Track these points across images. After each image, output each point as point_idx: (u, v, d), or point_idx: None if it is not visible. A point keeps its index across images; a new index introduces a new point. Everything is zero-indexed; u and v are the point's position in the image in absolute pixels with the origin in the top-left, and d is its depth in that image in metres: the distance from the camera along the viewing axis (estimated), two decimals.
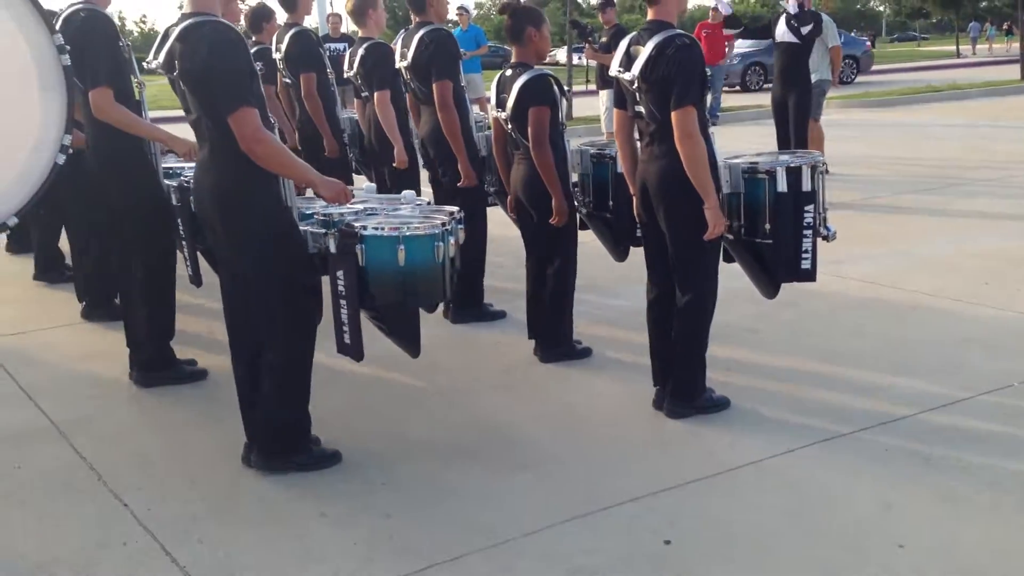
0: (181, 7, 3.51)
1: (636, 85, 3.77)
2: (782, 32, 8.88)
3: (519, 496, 3.24)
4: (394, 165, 5.82)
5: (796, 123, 8.74)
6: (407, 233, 3.38)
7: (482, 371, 4.55)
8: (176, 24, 3.33)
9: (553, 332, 4.69)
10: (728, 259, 4.20)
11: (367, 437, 3.77)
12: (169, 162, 4.75)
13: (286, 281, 3.35)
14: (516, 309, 5.11)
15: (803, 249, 4.02)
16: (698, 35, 15.30)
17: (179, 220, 4.42)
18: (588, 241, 4.89)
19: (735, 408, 3.95)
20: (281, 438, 3.47)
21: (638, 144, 3.97)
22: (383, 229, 3.38)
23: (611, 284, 5.75)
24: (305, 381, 3.47)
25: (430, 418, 3.99)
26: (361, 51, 5.86)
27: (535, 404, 4.11)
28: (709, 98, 15.20)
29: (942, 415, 3.81)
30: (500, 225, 5.57)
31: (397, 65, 5.49)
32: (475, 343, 4.99)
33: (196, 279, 4.63)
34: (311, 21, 11.97)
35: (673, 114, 3.64)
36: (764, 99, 17.64)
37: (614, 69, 3.92)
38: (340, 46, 9.86)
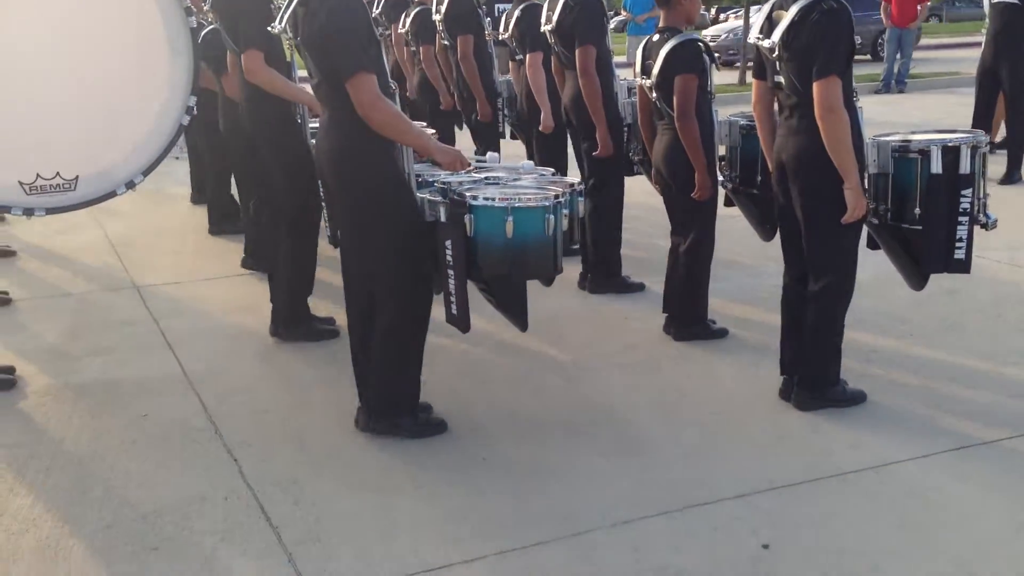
0: None
1: (776, 53, 3.53)
2: None
3: (617, 483, 3.16)
4: (539, 129, 5.78)
5: (1012, 95, 7.91)
6: (516, 204, 3.31)
7: (606, 346, 4.46)
8: None
9: (686, 309, 4.54)
10: (873, 246, 3.91)
11: (476, 409, 3.77)
12: (316, 124, 4.87)
13: (399, 246, 3.37)
14: (657, 282, 4.96)
15: (957, 237, 3.67)
16: None
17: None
18: (737, 215, 4.69)
19: (869, 403, 3.70)
20: (389, 402, 3.52)
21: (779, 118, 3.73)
22: (494, 200, 3.33)
23: (757, 262, 5.50)
24: (417, 347, 3.49)
25: (543, 393, 3.94)
26: (517, 12, 5.83)
27: (653, 386, 3.99)
28: (898, 64, 14.28)
29: None
30: (651, 195, 5.42)
31: (542, 28, 5.40)
32: (606, 316, 4.90)
33: (335, 239, 4.75)
34: None
35: (815, 85, 3.40)
36: (957, 65, 16.41)
37: (753, 35, 3.69)
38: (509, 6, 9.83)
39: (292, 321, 4.60)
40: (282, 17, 3.54)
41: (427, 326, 3.49)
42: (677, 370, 4.15)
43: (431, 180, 3.70)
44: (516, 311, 3.53)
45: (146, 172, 3.68)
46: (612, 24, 20.79)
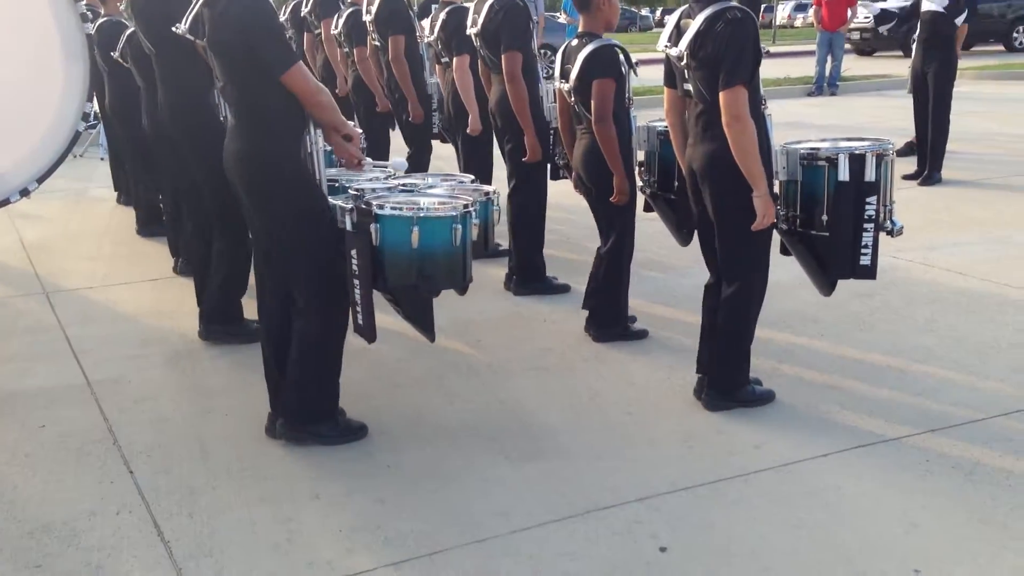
0: None
1: (684, 62, 3.55)
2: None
3: (520, 489, 3.14)
4: (467, 131, 5.77)
5: (936, 99, 8.09)
6: (423, 214, 3.29)
7: (523, 348, 4.45)
8: None
9: (605, 311, 4.55)
10: (785, 252, 3.96)
11: (386, 414, 3.73)
12: None
13: (315, 250, 3.33)
14: (583, 284, 4.95)
15: (863, 244, 3.71)
16: (818, 1, 14.54)
17: None
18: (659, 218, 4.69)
19: (777, 403, 3.74)
20: (308, 410, 3.46)
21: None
22: (400, 209, 3.29)
23: (680, 263, 5.54)
24: (336, 355, 3.46)
25: (454, 397, 3.92)
26: (443, 15, 5.81)
27: (566, 388, 3.99)
28: (829, 66, 14.63)
29: (1003, 423, 3.50)
30: (581, 197, 5.44)
31: (468, 32, 5.39)
32: (526, 318, 4.89)
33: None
34: None
35: (721, 94, 3.41)
36: (885, 67, 16.74)
37: (662, 44, 3.71)
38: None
39: (224, 321, 4.53)
40: (186, 19, 3.48)
41: (345, 333, 3.45)
42: (591, 372, 4.16)
43: (347, 186, 3.66)
44: (423, 322, 3.49)
45: (40, 179, 3.58)
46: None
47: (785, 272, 4.53)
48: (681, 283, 5.27)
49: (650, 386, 3.98)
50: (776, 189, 3.68)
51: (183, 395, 4.01)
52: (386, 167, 4.03)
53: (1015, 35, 21.20)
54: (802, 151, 3.70)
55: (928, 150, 7.94)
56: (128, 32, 5.69)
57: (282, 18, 9.01)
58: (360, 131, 5.27)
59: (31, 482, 3.25)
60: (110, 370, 4.25)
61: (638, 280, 5.08)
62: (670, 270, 5.56)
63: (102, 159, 9.18)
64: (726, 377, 3.74)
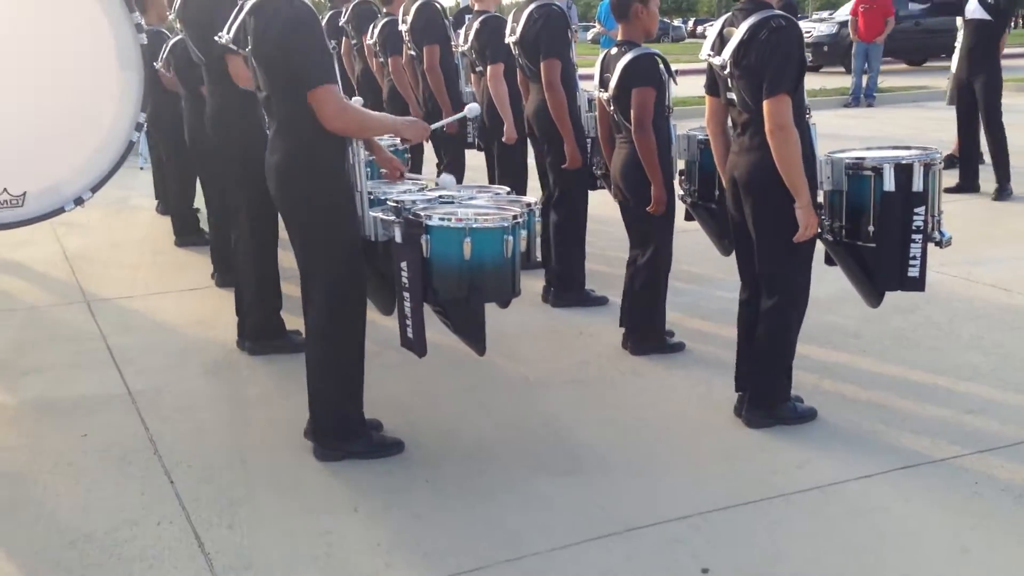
0: None
1: (727, 71, 3.51)
2: (973, 8, 8.12)
3: (559, 505, 3.11)
4: (503, 140, 5.76)
5: (987, 111, 7.96)
6: (474, 225, 3.26)
7: (561, 362, 4.42)
8: None
9: (643, 324, 4.51)
10: (829, 262, 3.90)
11: (424, 427, 3.71)
12: None
13: (335, 266, 3.32)
14: (620, 296, 4.91)
15: (911, 255, 3.65)
16: (855, 11, 14.40)
17: None
18: (699, 229, 4.66)
19: (819, 421, 3.67)
20: (332, 424, 3.45)
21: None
22: (450, 220, 3.27)
23: (719, 275, 5.48)
24: (352, 370, 3.43)
25: (492, 411, 3.90)
26: (476, 24, 5.80)
27: (604, 403, 3.95)
28: (865, 78, 14.53)
29: None
30: (616, 208, 5.40)
31: (506, 40, 5.38)
32: (564, 331, 4.86)
33: None
34: None
35: (764, 103, 3.38)
36: (924, 79, 16.50)
37: (704, 52, 3.67)
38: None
39: (266, 333, 4.55)
40: (230, 27, 3.49)
41: (363, 349, 3.44)
42: (630, 386, 4.11)
43: (383, 198, 3.64)
44: (473, 335, 3.46)
45: (94, 188, 3.62)
46: (589, 35, 20.67)
47: (826, 286, 4.46)
48: (719, 296, 5.21)
49: (689, 401, 3.94)
50: (820, 199, 3.63)
51: (223, 405, 4.02)
52: (435, 184, 3.99)
53: None
54: (847, 161, 3.65)
55: (993, 165, 7.76)
56: (172, 42, 5.76)
57: None
58: (399, 140, 5.32)
59: (73, 491, 3.26)
60: (151, 379, 4.27)
61: (675, 292, 5.02)
62: (707, 282, 5.51)
63: (142, 168, 9.28)
64: (767, 394, 3.69)
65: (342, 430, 3.46)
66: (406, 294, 3.29)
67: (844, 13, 16.59)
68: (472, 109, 4.01)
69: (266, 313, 4.57)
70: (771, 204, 3.49)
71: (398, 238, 3.30)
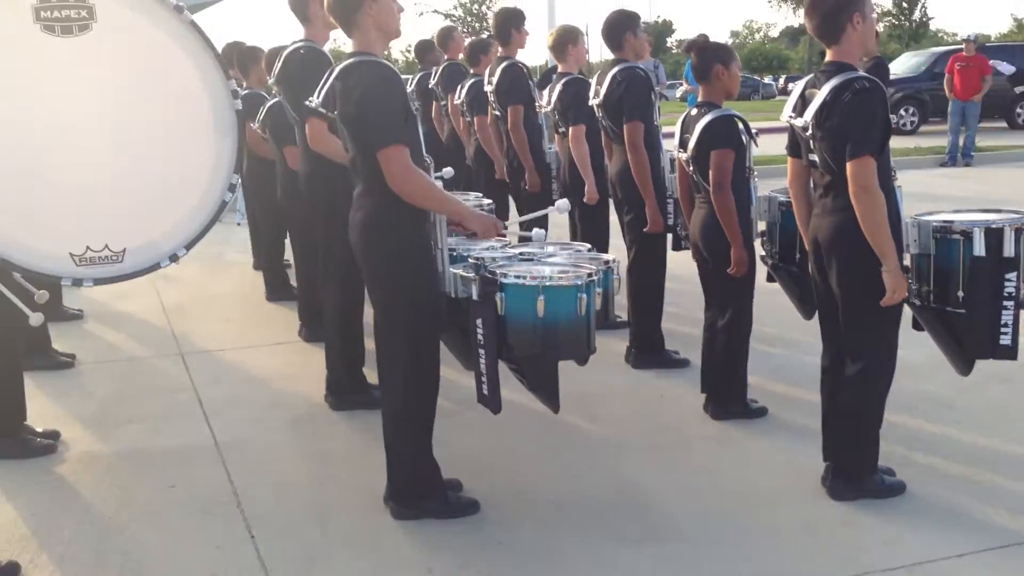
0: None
1: (809, 132, 3.49)
2: None
3: (634, 573, 3.06)
4: (584, 200, 5.80)
5: None
6: (548, 283, 3.29)
7: (640, 425, 4.38)
8: (339, 64, 3.45)
9: (724, 388, 4.45)
10: (918, 327, 3.80)
11: (499, 487, 3.71)
12: None
13: (412, 323, 3.37)
14: None
15: (1002, 323, 3.53)
16: (951, 69, 14.13)
17: None
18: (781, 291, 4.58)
19: (909, 495, 3.55)
20: (407, 481, 3.48)
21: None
22: (525, 278, 3.31)
23: (805, 338, 5.36)
24: (426, 428, 3.46)
25: (569, 473, 3.88)
26: (559, 86, 5.89)
27: (684, 468, 3.89)
28: (962, 137, 14.24)
29: None
30: None
31: (590, 102, 5.45)
32: (644, 393, 4.82)
33: None
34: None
35: (848, 165, 3.33)
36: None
37: (786, 114, 3.66)
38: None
39: (347, 387, 4.63)
40: (320, 91, 3.63)
41: (434, 408, 3.46)
42: (710, 452, 4.05)
43: (465, 255, 3.70)
44: (548, 392, 3.47)
45: (189, 246, 3.78)
46: (677, 94, 20.69)
47: (917, 351, 4.33)
48: (804, 360, 5.10)
49: (770, 469, 3.85)
50: (907, 263, 3.55)
51: (304, 460, 4.09)
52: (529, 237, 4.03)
53: (1018, 111, 20.24)
54: (935, 224, 3.56)
55: None
56: (269, 104, 6.01)
57: (409, 88, 9.36)
58: (488, 201, 5.42)
59: (158, 542, 3.36)
60: (237, 432, 4.39)
61: (760, 356, 4.96)
62: (794, 346, 5.40)
63: (239, 224, 9.62)
64: (852, 464, 3.58)
65: (417, 488, 3.48)
66: (481, 351, 3.32)
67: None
68: (562, 206, 3.98)
69: (349, 368, 4.67)
70: (856, 267, 3.43)
71: (474, 295, 3.35)
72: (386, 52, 3.88)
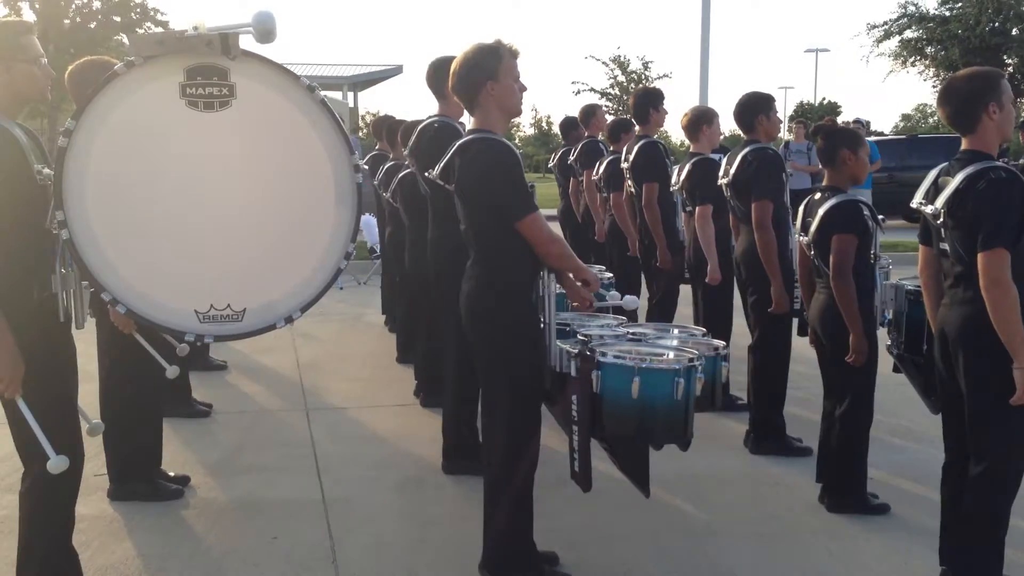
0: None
1: (940, 220, 3.36)
2: None
3: None
4: (707, 281, 5.74)
5: None
6: (644, 365, 3.27)
7: (747, 513, 4.23)
8: (459, 140, 3.58)
9: (841, 479, 4.26)
10: None
11: (595, 568, 3.64)
12: None
13: (513, 396, 3.39)
14: None
15: None
16: None
17: None
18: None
19: None
20: (502, 552, 3.47)
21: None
22: (623, 358, 3.30)
23: (934, 434, 5.05)
24: (520, 501, 3.45)
25: (666, 559, 3.77)
26: (688, 166, 5.91)
27: (788, 562, 3.72)
28: None
29: None
30: None
31: (719, 182, 5.42)
32: (757, 478, 4.66)
33: None
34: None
35: (980, 256, 3.19)
36: None
37: (917, 200, 3.54)
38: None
39: (459, 453, 4.70)
40: (439, 165, 3.76)
41: (531, 482, 3.45)
42: (818, 546, 3.86)
43: (576, 331, 3.72)
44: (638, 476, 3.43)
45: (304, 308, 3.95)
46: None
47: None
48: (933, 455, 4.78)
49: (883, 571, 3.63)
50: None
51: (404, 521, 4.15)
52: (619, 301, 4.03)
53: None
54: None
55: None
56: (401, 175, 6.26)
57: (551, 163, 9.54)
58: (610, 274, 5.43)
59: None
60: (345, 489, 4.50)
61: (883, 448, 4.73)
62: (927, 440, 5.11)
63: (364, 283, 9.92)
64: (972, 571, 3.35)
65: (512, 560, 3.46)
66: (575, 427, 3.31)
67: None
68: (629, 302, 3.96)
69: (462, 433, 4.73)
70: (984, 362, 3.26)
71: (573, 371, 3.36)
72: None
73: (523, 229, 3.34)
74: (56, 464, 2.91)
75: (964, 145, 3.41)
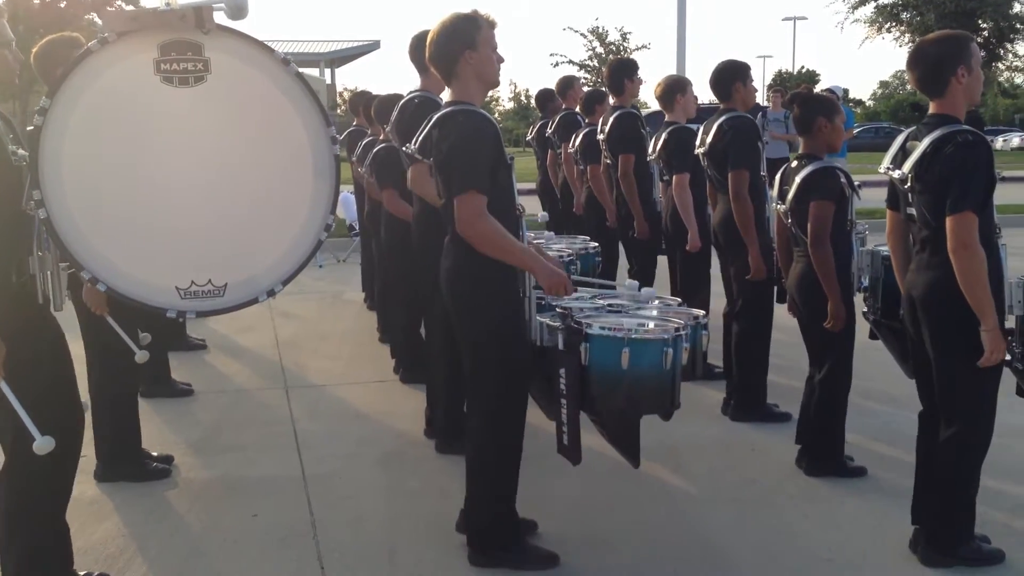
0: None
1: (908, 185, 3.38)
2: None
3: None
4: (687, 248, 5.76)
5: None
6: (633, 336, 3.28)
7: (726, 478, 4.27)
8: (437, 112, 3.54)
9: (819, 443, 4.31)
10: (1022, 393, 3.59)
11: (576, 539, 3.67)
12: None
13: (497, 371, 3.37)
14: None
15: None
16: None
17: None
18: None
19: (1006, 565, 3.36)
20: (484, 526, 3.48)
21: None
22: (610, 329, 3.31)
23: (909, 397, 5.11)
24: (504, 477, 3.45)
25: (648, 527, 3.80)
26: (664, 135, 5.90)
27: (764, 526, 3.77)
28: None
29: None
30: None
31: (696, 151, 5.43)
32: (735, 445, 4.71)
33: None
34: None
35: (948, 220, 3.22)
36: None
37: (884, 165, 3.56)
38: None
39: (448, 433, 4.70)
40: (417, 138, 3.74)
41: (518, 456, 3.45)
42: (794, 509, 3.91)
43: (554, 304, 3.72)
44: (628, 447, 3.43)
45: (285, 281, 3.94)
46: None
47: (1020, 415, 4.08)
48: (909, 419, 4.80)
49: (858, 532, 3.69)
50: (1010, 325, 3.37)
51: (385, 497, 4.16)
52: (636, 292, 4.02)
53: None
54: None
55: None
56: (376, 149, 6.21)
57: (529, 136, 9.52)
58: (595, 243, 5.42)
59: (235, 569, 3.48)
60: (326, 466, 4.51)
61: (860, 413, 4.77)
62: (902, 404, 5.15)
63: (343, 260, 9.88)
64: (945, 530, 3.40)
65: (494, 533, 3.48)
66: (564, 401, 3.32)
67: None
68: (646, 294, 3.94)
69: (451, 412, 4.72)
70: (952, 325, 3.29)
71: (560, 345, 3.36)
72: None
73: (457, 203, 3.22)
74: (41, 445, 2.91)
75: (932, 109, 3.42)
